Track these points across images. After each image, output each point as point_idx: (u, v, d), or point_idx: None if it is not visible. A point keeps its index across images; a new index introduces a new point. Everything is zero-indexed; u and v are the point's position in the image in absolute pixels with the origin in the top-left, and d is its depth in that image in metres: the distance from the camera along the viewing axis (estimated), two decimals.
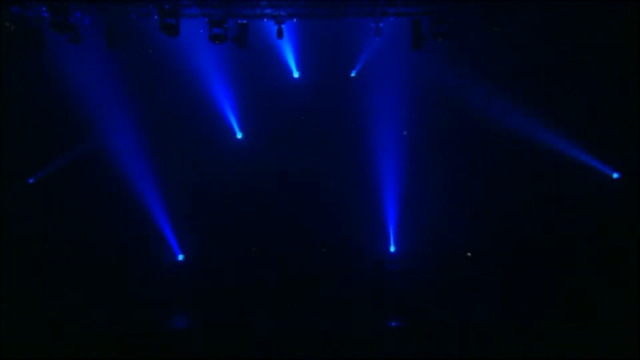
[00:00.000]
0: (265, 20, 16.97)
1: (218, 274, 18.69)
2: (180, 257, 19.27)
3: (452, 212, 18.95)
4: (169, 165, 19.15)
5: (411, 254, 19.12)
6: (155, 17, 16.36)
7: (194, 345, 14.84)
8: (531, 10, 16.55)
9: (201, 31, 17.00)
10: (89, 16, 16.76)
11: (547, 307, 16.03)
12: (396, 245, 19.24)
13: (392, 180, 19.28)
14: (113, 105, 18.81)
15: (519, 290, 17.22)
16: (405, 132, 19.40)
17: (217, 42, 16.61)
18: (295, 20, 17.12)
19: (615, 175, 18.30)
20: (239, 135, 19.59)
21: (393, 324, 16.47)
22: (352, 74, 19.04)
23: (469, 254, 19.02)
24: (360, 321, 16.04)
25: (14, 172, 18.18)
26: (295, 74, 19.05)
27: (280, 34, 16.94)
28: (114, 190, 18.91)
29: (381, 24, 16.94)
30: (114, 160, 18.94)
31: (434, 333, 15.09)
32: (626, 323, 14.28)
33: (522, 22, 17.00)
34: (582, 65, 17.84)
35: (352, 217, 19.22)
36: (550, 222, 18.37)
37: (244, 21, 16.89)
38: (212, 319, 16.48)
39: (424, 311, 16.81)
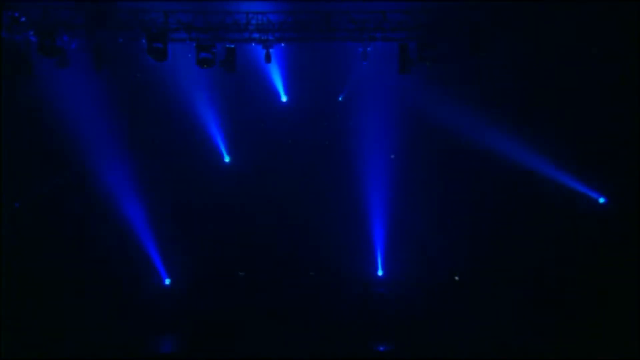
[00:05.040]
0: (253, 44, 16.96)
1: (204, 298, 18.53)
2: (167, 282, 19.11)
3: (440, 236, 18.95)
4: (156, 187, 19.09)
5: (399, 277, 19.09)
6: (143, 40, 16.34)
7: None
8: (517, 35, 16.71)
9: (189, 55, 16.96)
10: (76, 40, 16.71)
11: (539, 335, 16.05)
12: (384, 269, 19.19)
13: (379, 204, 19.32)
14: (100, 127, 18.72)
15: (508, 315, 17.22)
16: (392, 156, 19.41)
17: (204, 66, 16.60)
18: (283, 44, 17.13)
19: (601, 200, 18.37)
20: (227, 159, 19.54)
21: (380, 348, 16.38)
22: (340, 98, 19.10)
23: (456, 278, 19.01)
24: (346, 345, 15.94)
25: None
26: (283, 98, 19.04)
27: (268, 59, 16.96)
28: (100, 211, 18.82)
29: (369, 49, 17.01)
30: (99, 181, 18.86)
31: (421, 358, 15.06)
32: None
33: (507, 47, 17.12)
34: (569, 89, 17.96)
35: (339, 240, 19.17)
36: (539, 246, 18.39)
37: (232, 45, 16.88)
38: (198, 343, 16.35)
39: (411, 335, 16.74)
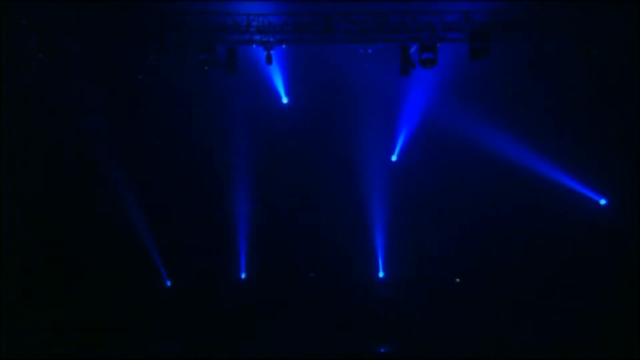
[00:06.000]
0: (254, 46, 16.99)
1: (205, 300, 18.56)
2: (169, 283, 19.15)
3: (441, 239, 18.97)
4: (157, 188, 19.15)
5: (400, 278, 19.07)
6: (144, 41, 16.40)
7: None
8: (519, 39, 16.72)
9: (190, 56, 16.99)
10: (77, 42, 16.76)
11: (539, 335, 16.02)
12: (385, 271, 19.19)
13: (381, 205, 19.32)
14: (101, 128, 18.78)
15: (508, 315, 17.20)
16: (394, 159, 19.44)
17: (205, 67, 16.64)
18: (284, 46, 17.18)
19: (602, 202, 18.34)
20: (227, 161, 19.56)
21: (381, 350, 16.38)
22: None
23: (457, 280, 19.00)
24: (347, 346, 15.94)
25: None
26: (285, 100, 19.07)
27: (269, 60, 16.99)
28: (101, 212, 18.94)
29: (369, 50, 17.05)
30: (100, 182, 18.95)
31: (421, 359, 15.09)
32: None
33: (510, 51, 17.15)
34: (570, 93, 17.99)
35: (340, 241, 19.20)
36: (540, 248, 18.37)
37: (233, 47, 16.92)
38: (198, 344, 16.38)
39: (412, 336, 16.72)
